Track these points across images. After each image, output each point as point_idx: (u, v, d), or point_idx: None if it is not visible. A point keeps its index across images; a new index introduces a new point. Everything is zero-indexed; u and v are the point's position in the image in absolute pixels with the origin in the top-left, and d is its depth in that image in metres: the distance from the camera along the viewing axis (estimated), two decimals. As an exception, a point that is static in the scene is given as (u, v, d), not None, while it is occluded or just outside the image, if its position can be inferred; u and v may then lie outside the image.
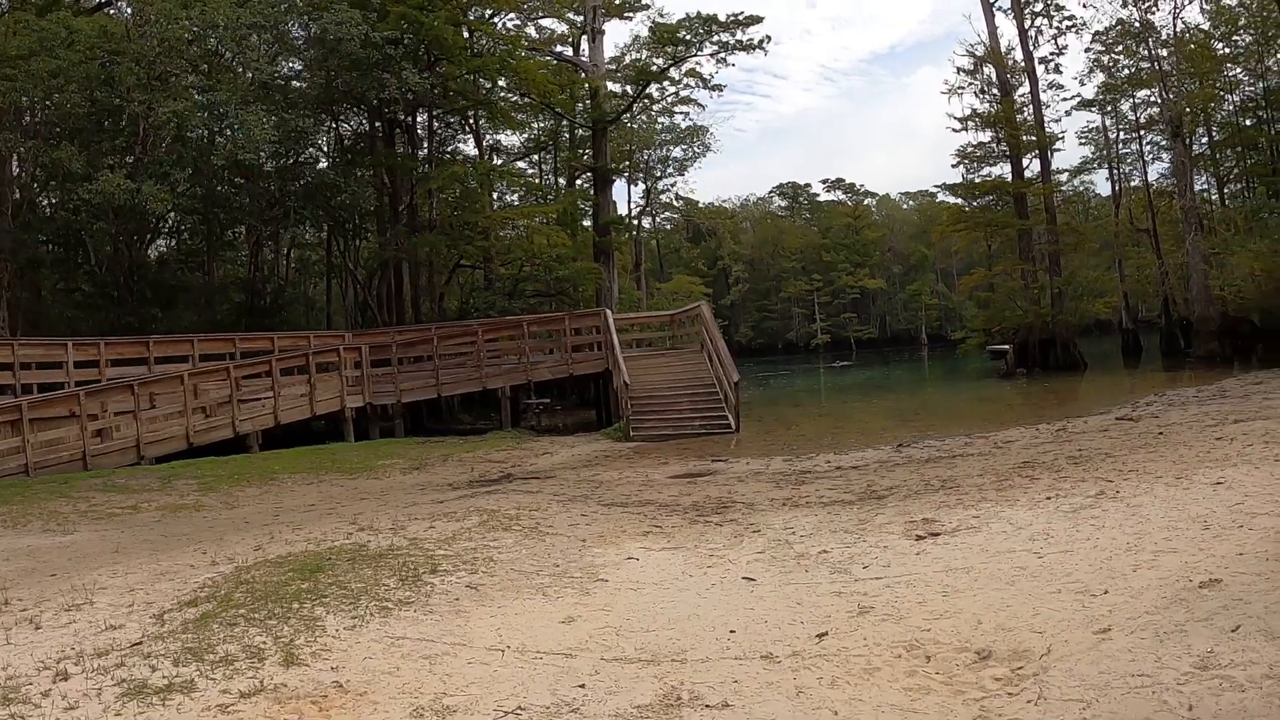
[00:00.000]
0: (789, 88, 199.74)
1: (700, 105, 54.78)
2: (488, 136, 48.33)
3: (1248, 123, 52.97)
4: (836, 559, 8.66)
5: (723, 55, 43.53)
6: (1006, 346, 47.05)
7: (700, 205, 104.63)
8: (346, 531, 10.98)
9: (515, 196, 51.32)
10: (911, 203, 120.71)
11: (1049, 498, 10.93)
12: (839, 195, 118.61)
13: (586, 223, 46.97)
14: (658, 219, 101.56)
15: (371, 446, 25.30)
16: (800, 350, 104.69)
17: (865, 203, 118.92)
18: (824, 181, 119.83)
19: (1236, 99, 53.76)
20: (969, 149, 51.62)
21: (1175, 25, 49.13)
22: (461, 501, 13.66)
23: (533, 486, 15.68)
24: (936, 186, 73.17)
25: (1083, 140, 66.90)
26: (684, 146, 67.17)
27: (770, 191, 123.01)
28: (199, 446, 23.15)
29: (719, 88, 47.72)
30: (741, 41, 42.52)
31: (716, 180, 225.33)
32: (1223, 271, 41.90)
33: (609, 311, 30.58)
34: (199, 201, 33.93)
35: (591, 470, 18.35)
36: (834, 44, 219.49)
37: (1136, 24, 49.82)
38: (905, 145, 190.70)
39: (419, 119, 39.85)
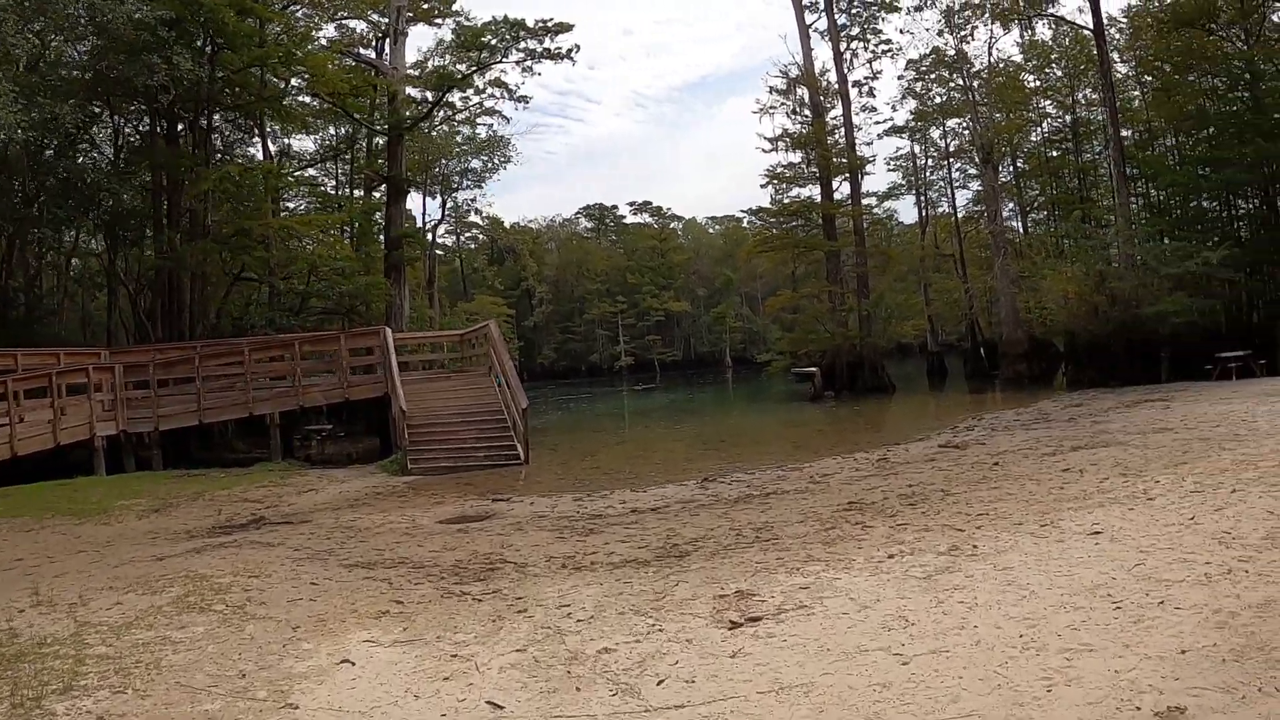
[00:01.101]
0: (601, 112, 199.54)
1: (505, 117, 52.11)
2: (279, 140, 44.93)
3: (1054, 153, 54.64)
4: (622, 665, 6.12)
5: (530, 64, 41.10)
6: (813, 369, 45.80)
7: (506, 225, 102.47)
8: (17, 609, 8.80)
9: (305, 205, 47.89)
10: (717, 227, 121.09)
11: (891, 556, 8.80)
12: (646, 218, 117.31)
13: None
14: (462, 238, 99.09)
15: (120, 482, 21.85)
16: (604, 372, 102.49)
17: (672, 226, 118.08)
18: (631, 204, 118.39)
19: (1045, 129, 55.69)
20: (779, 169, 50.36)
21: (990, 55, 49.41)
22: (183, 560, 11.00)
23: (278, 536, 12.92)
24: (743, 211, 72.86)
25: (891, 167, 67.25)
26: (484, 158, 64.51)
27: (577, 213, 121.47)
28: (-84, 484, 19.45)
29: (525, 99, 44.90)
30: (550, 50, 40.14)
31: (526, 202, 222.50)
32: (1034, 295, 41.58)
33: (389, 330, 27.70)
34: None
35: (354, 512, 15.51)
36: (648, 71, 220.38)
37: (952, 53, 49.97)
38: (713, 172, 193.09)
39: (210, 119, 36.18)
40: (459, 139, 61.08)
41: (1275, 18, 39.70)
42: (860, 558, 8.82)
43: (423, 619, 7.76)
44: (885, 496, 12.87)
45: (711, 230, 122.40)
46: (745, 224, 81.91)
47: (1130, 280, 34.26)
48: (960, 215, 62.06)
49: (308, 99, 41.61)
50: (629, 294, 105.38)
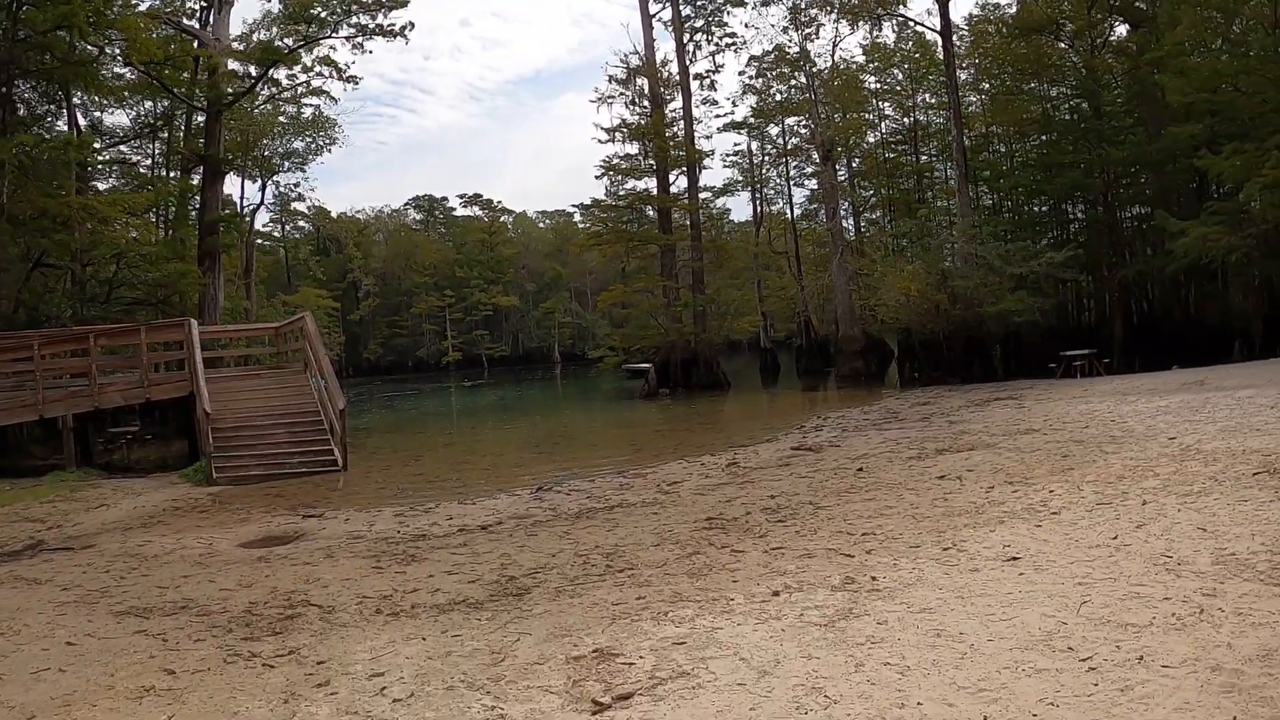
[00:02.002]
0: (435, 104, 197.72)
1: (333, 98, 49.29)
2: (90, 114, 41.64)
3: (890, 155, 56.18)
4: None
5: (361, 40, 38.91)
6: (647, 365, 45.04)
7: (332, 214, 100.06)
8: None
9: (117, 186, 44.42)
10: (548, 221, 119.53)
11: (777, 593, 7.30)
12: (476, 211, 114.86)
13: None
14: (287, 228, 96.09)
15: (-111, 497, 19.16)
16: (431, 368, 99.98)
17: (502, 219, 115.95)
18: (461, 196, 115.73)
19: (884, 130, 57.40)
20: (615, 160, 48.89)
21: (834, 54, 49.90)
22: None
23: (51, 568, 10.78)
24: (574, 206, 71.53)
25: (728, 163, 66.69)
26: (308, 137, 61.05)
27: (405, 204, 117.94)
28: None
29: (354, 79, 42.44)
30: (382, 26, 38.15)
31: (355, 192, 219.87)
32: (871, 293, 41.64)
33: (194, 322, 25.17)
34: None
35: (146, 534, 13.27)
36: (483, 64, 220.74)
37: (795, 50, 49.72)
38: (544, 167, 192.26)
39: (12, 86, 32.78)
40: (282, 118, 57.76)
41: (1118, 31, 42.08)
42: (739, 596, 7.29)
43: (196, 699, 5.90)
44: (748, 511, 11.45)
45: (542, 225, 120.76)
46: (576, 218, 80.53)
47: (974, 279, 34.48)
48: (797, 212, 62.53)
49: (123, 69, 38.53)
50: (457, 288, 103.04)
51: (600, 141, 48.34)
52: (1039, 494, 10.47)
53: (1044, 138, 43.18)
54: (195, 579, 9.71)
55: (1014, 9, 43.27)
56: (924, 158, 54.69)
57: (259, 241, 68.42)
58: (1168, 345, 34.37)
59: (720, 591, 7.48)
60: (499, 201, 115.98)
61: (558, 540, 10.67)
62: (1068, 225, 45.26)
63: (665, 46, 48.88)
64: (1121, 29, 42.03)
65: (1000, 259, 34.64)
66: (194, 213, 40.56)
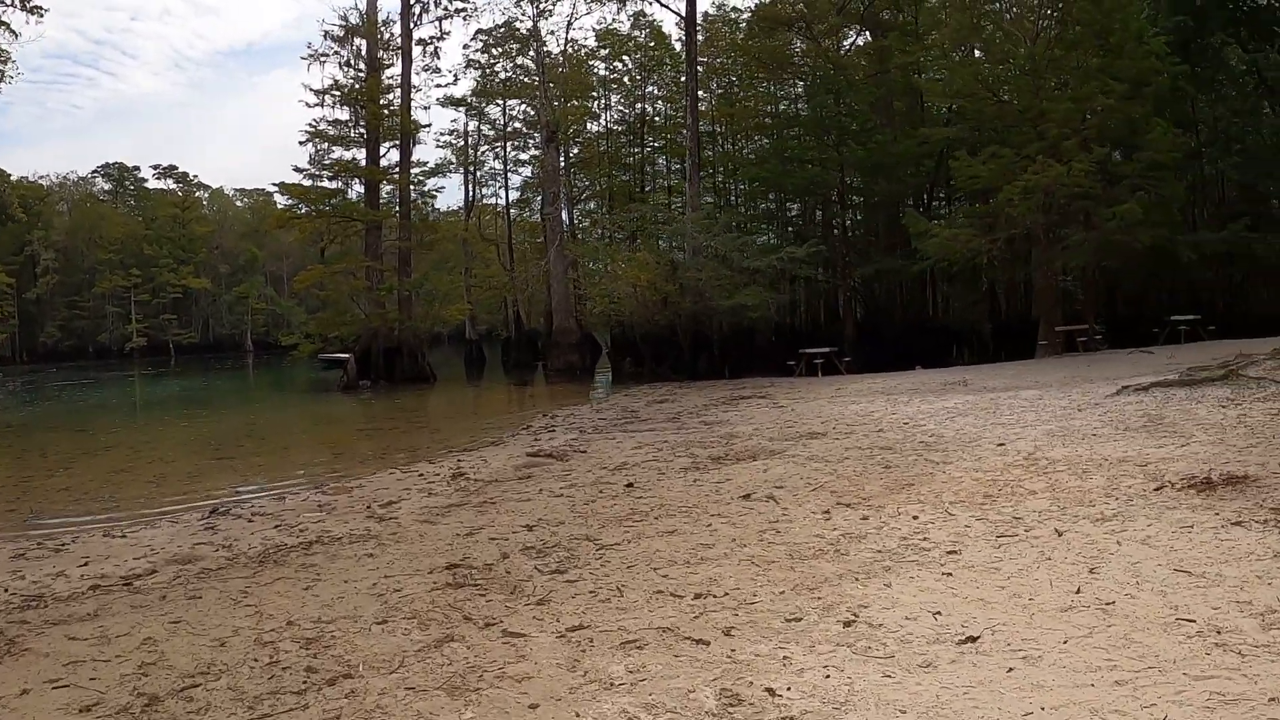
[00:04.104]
0: (137, 69, 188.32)
1: (14, 32, 43.60)
2: None
3: (614, 145, 55.97)
4: None
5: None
6: (346, 355, 41.83)
7: (11, 179, 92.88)
8: None
9: None
10: (246, 200, 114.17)
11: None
12: (170, 184, 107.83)
13: None
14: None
15: None
16: (115, 355, 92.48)
17: (197, 195, 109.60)
18: (155, 167, 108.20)
19: (609, 119, 57.04)
20: (322, 125, 45.03)
21: (567, 34, 49.61)
22: None
23: None
24: (274, 185, 67.45)
25: (441, 143, 63.64)
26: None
27: (93, 172, 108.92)
28: None
29: (39, 10, 37.23)
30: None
31: (42, 158, 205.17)
32: (593, 283, 41.11)
33: None
34: None
35: None
36: (193, 30, 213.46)
37: (528, 25, 48.78)
38: (249, 146, 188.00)
39: None
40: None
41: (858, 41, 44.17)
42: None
43: None
44: (504, 553, 8.17)
45: (240, 203, 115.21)
46: (277, 198, 75.73)
47: (706, 271, 33.60)
48: (513, 197, 61.54)
49: None
50: (145, 267, 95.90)
51: (309, 105, 44.24)
52: (902, 522, 7.98)
53: (781, 134, 43.62)
54: None
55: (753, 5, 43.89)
56: (648, 149, 54.26)
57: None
58: (893, 347, 34.65)
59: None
60: (195, 176, 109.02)
61: (232, 609, 7.03)
62: (790, 224, 45.98)
63: (390, 6, 45.66)
64: (860, 39, 43.79)
65: (736, 252, 33.73)
66: None
